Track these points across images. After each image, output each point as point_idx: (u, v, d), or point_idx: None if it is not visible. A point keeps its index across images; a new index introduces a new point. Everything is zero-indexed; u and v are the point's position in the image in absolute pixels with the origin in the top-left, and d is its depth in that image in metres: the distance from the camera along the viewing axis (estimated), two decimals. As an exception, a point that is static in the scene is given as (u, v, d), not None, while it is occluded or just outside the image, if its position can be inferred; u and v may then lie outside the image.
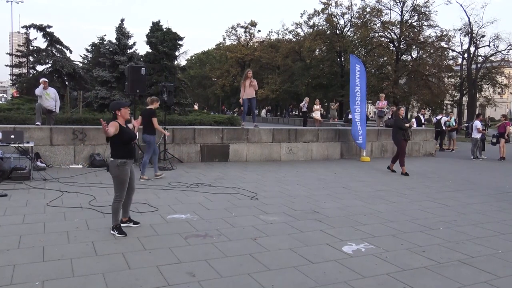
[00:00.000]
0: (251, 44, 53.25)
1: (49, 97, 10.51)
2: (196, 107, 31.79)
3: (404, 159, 10.50)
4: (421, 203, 7.15)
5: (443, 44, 34.84)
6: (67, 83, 22.75)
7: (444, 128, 18.16)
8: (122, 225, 5.03)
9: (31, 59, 24.63)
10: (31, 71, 25.14)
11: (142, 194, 6.90)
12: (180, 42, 22.19)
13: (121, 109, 4.87)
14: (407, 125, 10.61)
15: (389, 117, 17.39)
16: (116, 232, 4.83)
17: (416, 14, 35.12)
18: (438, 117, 18.83)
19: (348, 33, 39.99)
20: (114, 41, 20.66)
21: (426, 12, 34.41)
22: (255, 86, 12.01)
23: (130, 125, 5.33)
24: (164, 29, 21.85)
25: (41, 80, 10.76)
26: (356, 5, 64.30)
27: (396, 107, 11.76)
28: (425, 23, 34.92)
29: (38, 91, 10.48)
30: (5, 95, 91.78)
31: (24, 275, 3.66)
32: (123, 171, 4.82)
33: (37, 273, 3.72)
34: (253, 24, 52.07)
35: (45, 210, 5.86)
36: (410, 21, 35.61)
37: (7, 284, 3.49)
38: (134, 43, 21.46)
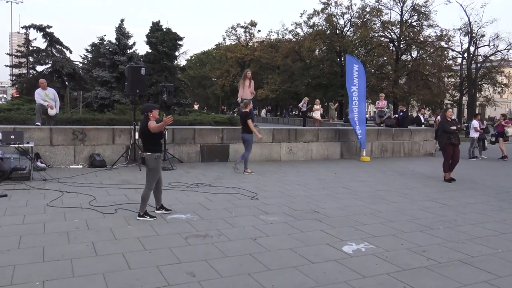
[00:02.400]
0: (251, 44, 53.23)
1: (48, 98, 10.43)
2: (196, 106, 31.74)
3: (448, 165, 9.60)
4: (421, 203, 7.15)
5: (443, 44, 34.84)
6: (67, 83, 22.76)
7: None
8: (157, 211, 5.79)
9: (31, 59, 24.65)
10: (31, 71, 25.17)
11: (142, 194, 6.90)
12: (180, 42, 22.20)
13: (152, 111, 5.46)
14: (454, 127, 9.58)
15: (389, 116, 17.39)
16: (148, 217, 5.52)
17: (416, 14, 35.11)
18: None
19: (348, 33, 39.96)
20: (114, 41, 20.68)
21: (426, 12, 34.43)
22: (251, 88, 11.91)
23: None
24: (164, 29, 21.87)
25: (39, 80, 10.67)
26: (355, 5, 64.39)
27: (445, 108, 10.97)
28: (425, 22, 34.94)
29: (37, 97, 10.35)
30: (5, 96, 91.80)
31: (24, 275, 3.66)
32: (159, 163, 5.56)
33: (37, 273, 3.72)
34: (253, 24, 52.05)
35: (45, 211, 5.86)
36: (410, 20, 35.60)
37: (7, 284, 3.49)
38: (134, 43, 21.50)
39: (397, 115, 16.58)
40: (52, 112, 10.33)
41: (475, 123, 15.10)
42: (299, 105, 23.02)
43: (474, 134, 14.87)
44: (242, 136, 9.83)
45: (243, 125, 9.72)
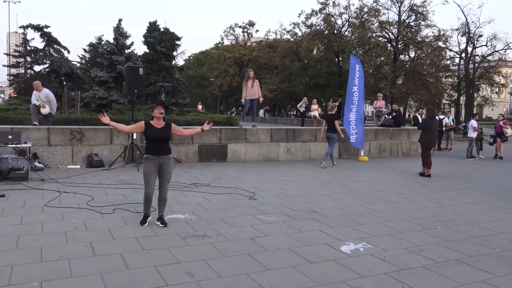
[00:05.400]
0: (249, 44, 53.29)
1: (40, 100, 10.24)
2: (200, 107, 31.45)
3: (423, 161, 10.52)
4: (419, 203, 7.16)
5: (440, 44, 34.90)
6: (64, 83, 22.72)
7: (443, 128, 17.94)
8: (156, 222, 5.33)
9: (28, 59, 24.59)
10: (28, 71, 25.10)
11: (140, 194, 6.88)
12: (177, 42, 22.20)
13: (153, 110, 5.35)
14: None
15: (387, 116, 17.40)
16: (140, 220, 5.33)
17: (414, 14, 35.18)
18: (441, 117, 18.55)
19: (346, 33, 40.03)
20: (112, 41, 20.67)
21: (424, 12, 34.50)
22: (256, 87, 11.92)
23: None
24: (162, 29, 21.87)
25: (33, 83, 10.57)
26: (353, 5, 64.28)
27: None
28: (423, 23, 35.01)
29: (32, 98, 10.31)
30: (2, 96, 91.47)
31: (22, 276, 3.65)
32: (145, 165, 5.21)
33: (35, 273, 3.71)
34: (251, 24, 52.14)
35: (43, 211, 5.85)
36: (407, 21, 35.67)
37: (5, 284, 3.48)
38: (132, 43, 21.49)
39: (390, 116, 16.61)
40: (43, 110, 10.23)
41: (473, 123, 15.09)
42: (298, 105, 23.04)
43: (473, 134, 14.88)
44: (327, 135, 11.24)
45: (329, 125, 11.14)
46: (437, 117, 18.36)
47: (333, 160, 11.43)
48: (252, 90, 11.85)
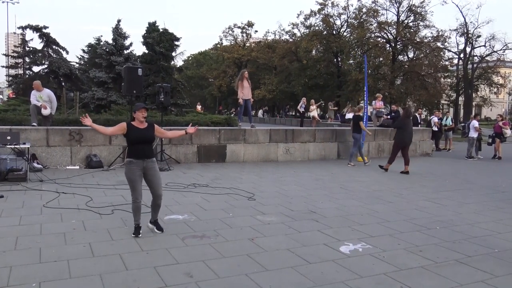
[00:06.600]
0: (248, 44, 53.26)
1: (42, 100, 10.26)
2: (199, 107, 31.35)
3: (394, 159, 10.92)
4: (417, 203, 7.17)
5: (439, 44, 34.94)
6: (63, 84, 22.67)
7: (434, 127, 17.79)
8: (149, 225, 5.11)
9: (27, 60, 24.54)
10: (27, 72, 25.06)
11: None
12: (176, 43, 22.17)
13: (135, 112, 4.89)
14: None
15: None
16: (132, 232, 4.91)
17: (412, 15, 35.22)
18: (431, 117, 18.71)
19: (345, 34, 40.05)
20: (110, 41, 20.63)
21: (422, 13, 34.53)
22: (250, 88, 12.02)
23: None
24: (161, 30, 21.85)
25: (33, 83, 10.54)
26: (352, 6, 64.39)
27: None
28: (421, 23, 35.04)
29: (32, 99, 10.32)
30: (1, 96, 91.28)
31: (21, 277, 3.65)
32: (129, 170, 4.82)
33: (34, 274, 3.71)
34: (250, 24, 52.09)
35: (41, 212, 5.84)
36: (406, 21, 35.70)
37: (3, 285, 3.48)
38: (131, 44, 21.42)
39: (389, 116, 16.65)
40: (45, 112, 10.23)
41: (475, 123, 15.09)
42: (298, 107, 23.06)
43: (474, 134, 14.88)
44: (353, 135, 11.72)
45: (354, 125, 11.61)
46: (433, 117, 18.49)
47: (350, 158, 11.82)
48: (246, 90, 11.92)
